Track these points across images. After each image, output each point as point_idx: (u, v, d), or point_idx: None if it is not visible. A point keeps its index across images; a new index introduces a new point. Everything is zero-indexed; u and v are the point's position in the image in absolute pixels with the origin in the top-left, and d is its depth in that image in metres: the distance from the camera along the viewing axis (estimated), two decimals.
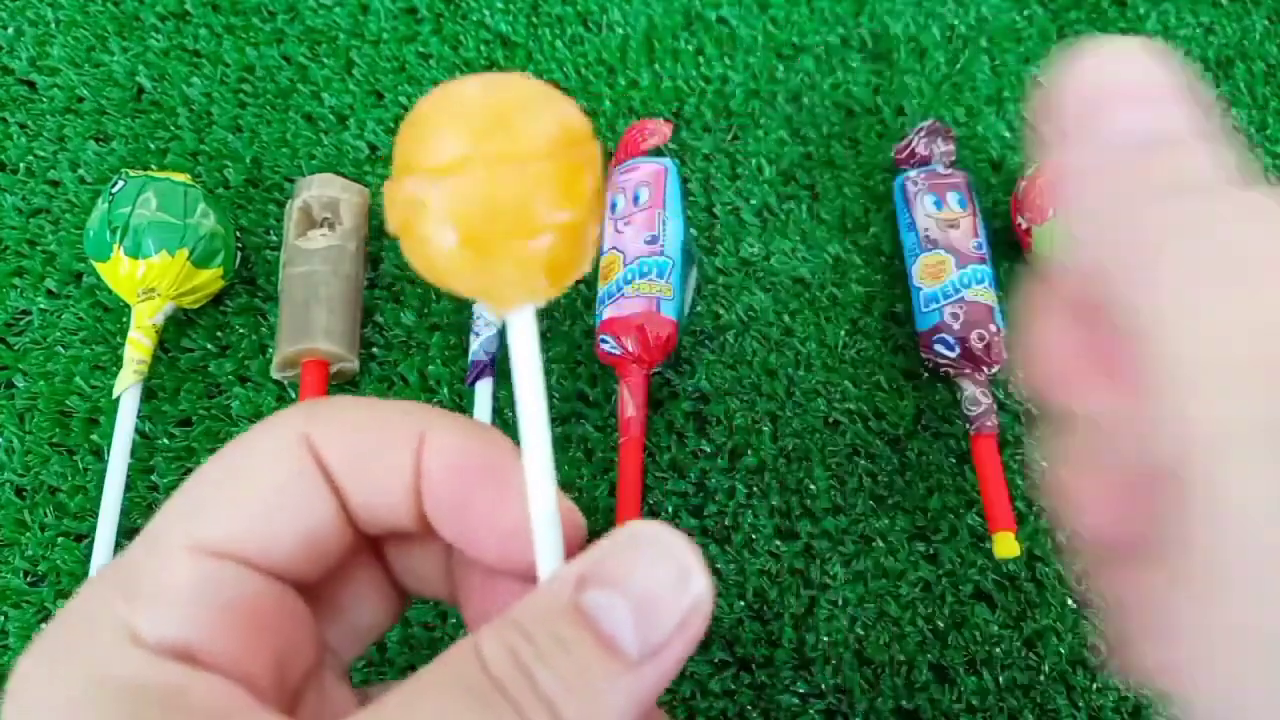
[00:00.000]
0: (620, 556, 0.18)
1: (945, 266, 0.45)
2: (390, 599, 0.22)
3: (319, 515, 0.19)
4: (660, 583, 0.17)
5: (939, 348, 0.44)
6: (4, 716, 0.17)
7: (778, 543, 0.43)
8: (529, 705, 0.16)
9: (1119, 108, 0.16)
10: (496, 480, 0.20)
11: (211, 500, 0.19)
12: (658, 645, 0.17)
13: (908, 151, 0.49)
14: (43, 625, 0.40)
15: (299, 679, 0.19)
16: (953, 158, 0.48)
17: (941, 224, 0.46)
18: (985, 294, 0.45)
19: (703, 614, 0.17)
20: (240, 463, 0.19)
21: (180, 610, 0.17)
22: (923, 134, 0.48)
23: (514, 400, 0.19)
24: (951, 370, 0.44)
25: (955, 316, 0.44)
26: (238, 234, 0.46)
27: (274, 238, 0.48)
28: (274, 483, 0.19)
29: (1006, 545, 0.41)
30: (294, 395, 0.44)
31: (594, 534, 0.45)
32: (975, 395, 0.44)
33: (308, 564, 0.19)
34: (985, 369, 0.44)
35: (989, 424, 0.43)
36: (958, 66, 0.54)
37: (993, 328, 0.44)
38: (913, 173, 0.48)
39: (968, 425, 0.44)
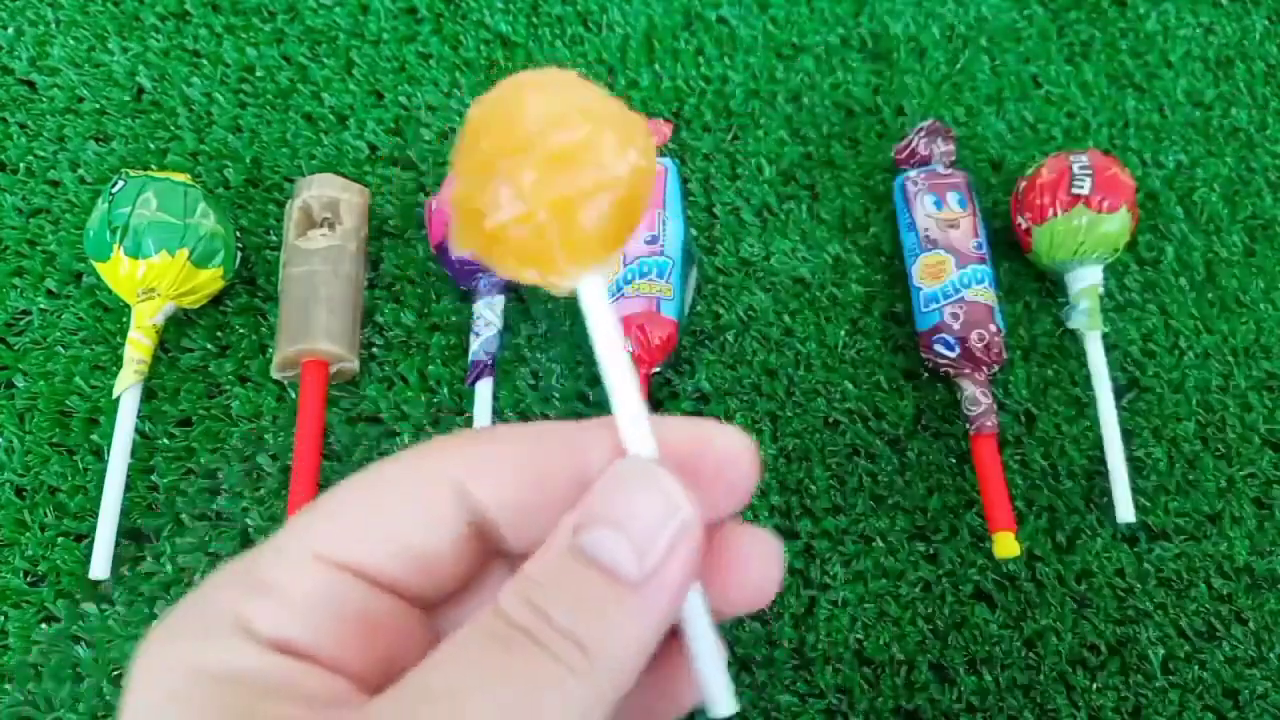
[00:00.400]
0: (609, 495, 0.19)
1: (945, 266, 0.45)
2: None
3: (446, 546, 0.20)
4: (648, 511, 0.19)
5: (939, 348, 0.44)
6: (124, 699, 0.18)
7: None
8: (550, 639, 0.17)
9: None
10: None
11: (347, 516, 0.20)
12: (655, 566, 0.18)
13: (908, 151, 0.49)
14: (43, 625, 0.40)
15: None
16: (953, 157, 0.48)
17: (941, 224, 0.46)
18: (985, 294, 0.45)
19: (692, 536, 0.19)
20: (383, 486, 0.20)
21: (297, 612, 0.18)
22: (923, 134, 0.48)
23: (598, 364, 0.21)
24: (951, 370, 0.44)
25: (955, 316, 0.44)
26: (238, 234, 0.46)
27: (274, 238, 0.48)
28: (410, 514, 0.20)
29: (1006, 545, 0.41)
30: (294, 395, 0.44)
31: None
32: (975, 395, 0.44)
33: (428, 588, 0.20)
34: (985, 369, 0.44)
35: (989, 424, 0.43)
36: (958, 66, 0.54)
37: (993, 327, 0.44)
38: (913, 173, 0.48)
39: (968, 425, 0.44)
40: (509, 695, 0.17)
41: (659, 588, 0.19)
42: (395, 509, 0.20)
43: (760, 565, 0.21)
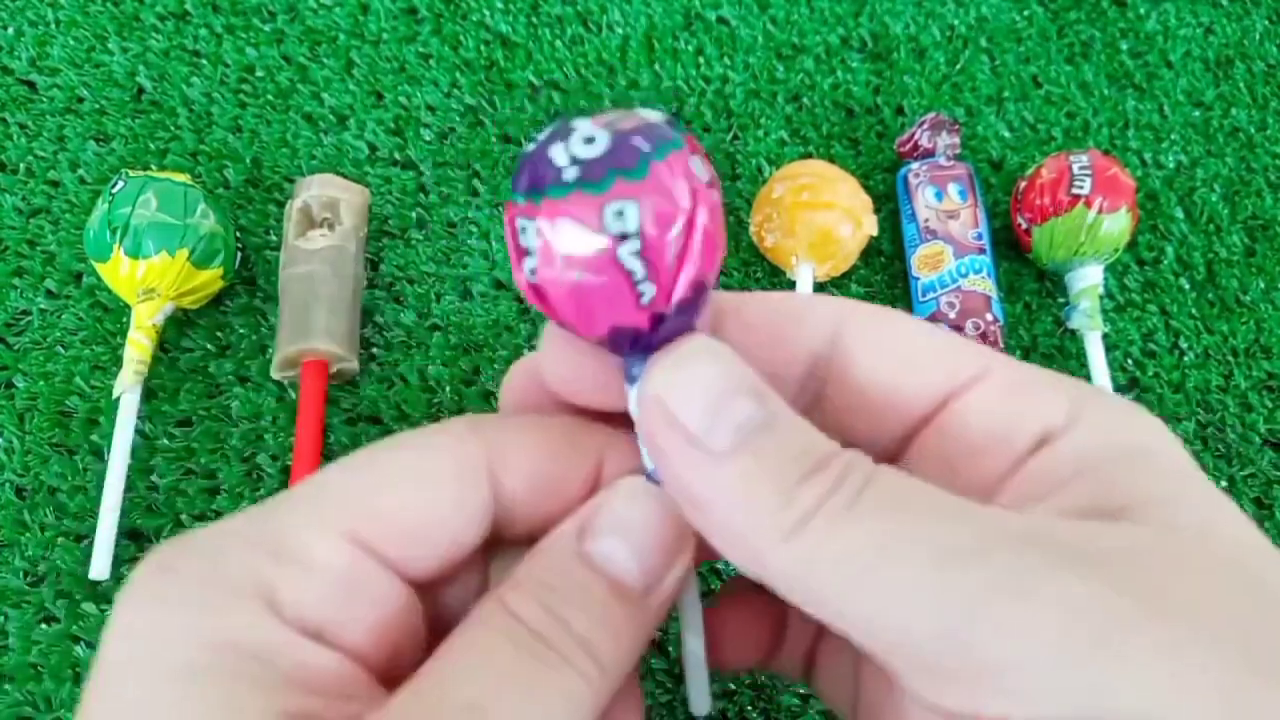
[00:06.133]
0: (614, 506, 0.19)
1: (943, 257, 0.45)
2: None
3: (471, 536, 0.20)
4: (650, 524, 0.19)
5: None
6: (99, 678, 0.16)
7: None
8: (568, 648, 0.18)
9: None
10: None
11: (382, 497, 0.19)
12: (654, 580, 0.19)
13: (910, 144, 0.49)
14: (43, 625, 0.40)
15: (407, 668, 0.20)
16: (957, 150, 0.48)
17: (941, 215, 0.46)
18: (983, 283, 0.44)
19: (689, 548, 0.19)
20: (420, 468, 0.20)
21: (326, 593, 0.18)
22: (925, 127, 0.48)
23: None
24: None
25: (951, 305, 0.44)
26: (238, 234, 0.46)
27: (274, 238, 0.48)
28: (444, 500, 0.19)
29: None
30: (294, 395, 0.44)
31: None
32: None
33: (440, 574, 0.20)
34: None
35: None
36: (958, 66, 0.54)
37: (989, 316, 0.44)
38: (915, 165, 0.48)
39: None
40: (535, 712, 0.17)
41: (657, 598, 0.19)
42: (426, 486, 0.19)
43: None
